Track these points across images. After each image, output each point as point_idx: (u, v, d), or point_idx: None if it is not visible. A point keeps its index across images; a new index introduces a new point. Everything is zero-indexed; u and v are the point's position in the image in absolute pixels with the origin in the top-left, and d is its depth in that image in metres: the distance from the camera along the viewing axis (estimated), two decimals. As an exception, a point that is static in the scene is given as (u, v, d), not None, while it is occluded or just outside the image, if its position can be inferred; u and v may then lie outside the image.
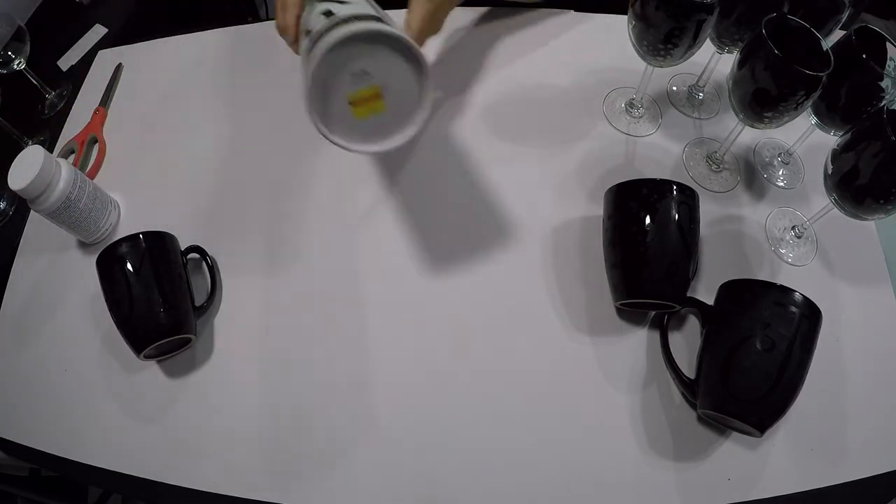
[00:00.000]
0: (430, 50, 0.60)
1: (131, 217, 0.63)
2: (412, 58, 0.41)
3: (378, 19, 0.41)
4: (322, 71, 0.40)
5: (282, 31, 0.50)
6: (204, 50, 0.75)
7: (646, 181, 0.51)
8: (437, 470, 0.49)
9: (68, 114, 0.72)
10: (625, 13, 0.53)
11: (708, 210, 0.57)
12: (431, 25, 0.51)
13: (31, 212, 0.61)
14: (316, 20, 0.43)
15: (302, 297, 0.56)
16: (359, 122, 0.43)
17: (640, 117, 0.65)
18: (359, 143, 0.44)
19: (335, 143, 0.43)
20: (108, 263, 0.52)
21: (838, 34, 0.51)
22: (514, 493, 0.48)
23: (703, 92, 0.66)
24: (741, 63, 0.48)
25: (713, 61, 0.62)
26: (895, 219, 0.47)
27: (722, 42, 0.56)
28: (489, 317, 0.54)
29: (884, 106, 0.44)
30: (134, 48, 0.78)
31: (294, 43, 0.50)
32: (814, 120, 0.53)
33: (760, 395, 0.44)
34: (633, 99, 0.65)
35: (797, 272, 0.56)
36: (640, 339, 0.53)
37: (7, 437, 0.53)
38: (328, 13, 0.42)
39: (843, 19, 0.53)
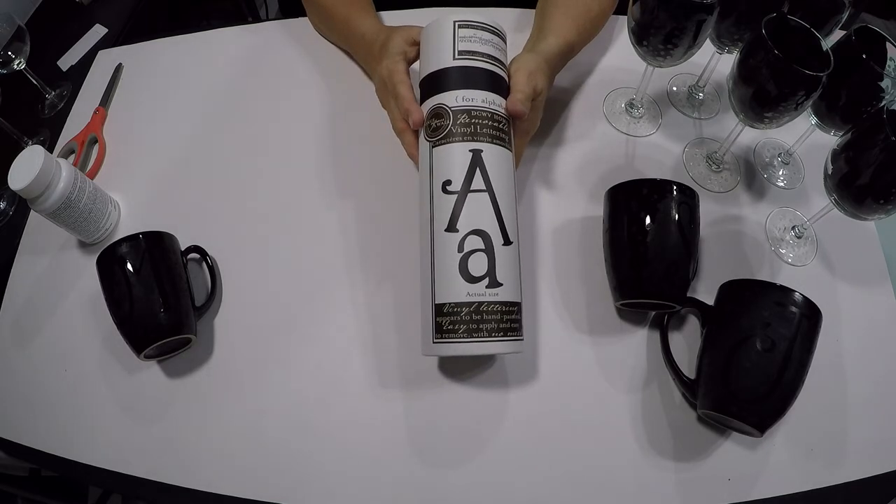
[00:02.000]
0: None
1: (131, 217, 0.63)
2: None
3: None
4: None
5: (399, 133, 0.53)
6: (204, 50, 0.75)
7: (646, 181, 0.51)
8: (437, 469, 0.49)
9: (68, 114, 0.72)
10: (624, 13, 0.53)
11: (708, 210, 0.57)
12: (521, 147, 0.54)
13: (31, 212, 0.61)
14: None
15: (302, 296, 0.56)
16: None
17: (640, 117, 0.65)
18: None
19: None
20: (108, 263, 0.52)
21: (838, 34, 0.51)
22: (514, 492, 0.48)
23: (703, 92, 0.66)
24: (741, 63, 0.48)
25: (713, 61, 0.62)
26: (895, 219, 0.47)
27: (722, 42, 0.56)
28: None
29: (884, 106, 0.44)
30: (134, 48, 0.78)
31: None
32: (814, 120, 0.53)
33: (760, 395, 0.44)
34: (633, 99, 0.65)
35: (797, 272, 0.56)
36: (640, 339, 0.53)
37: (7, 437, 0.53)
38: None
39: (843, 19, 0.53)
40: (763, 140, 0.63)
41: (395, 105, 0.51)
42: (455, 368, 0.52)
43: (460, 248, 0.44)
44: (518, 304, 0.46)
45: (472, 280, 0.43)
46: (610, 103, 0.66)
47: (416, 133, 0.50)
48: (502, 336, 0.44)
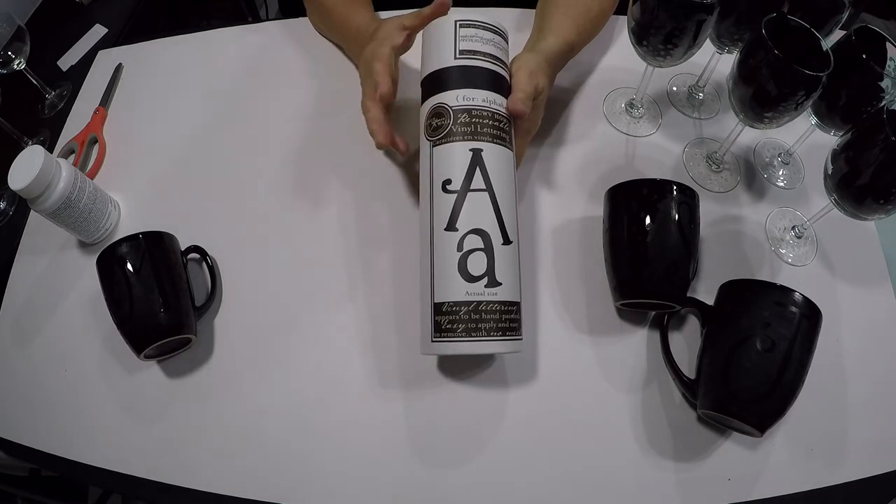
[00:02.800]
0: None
1: (131, 217, 0.63)
2: None
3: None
4: None
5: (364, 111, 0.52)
6: (204, 50, 0.75)
7: (646, 181, 0.51)
8: (437, 469, 0.49)
9: (68, 114, 0.72)
10: (624, 13, 0.53)
11: (708, 210, 0.57)
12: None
13: (31, 212, 0.61)
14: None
15: (302, 296, 0.56)
16: None
17: (640, 117, 0.65)
18: None
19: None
20: (108, 263, 0.52)
21: (838, 34, 0.51)
22: (514, 492, 0.48)
23: (703, 92, 0.66)
24: (741, 63, 0.48)
25: (713, 61, 0.62)
26: (895, 219, 0.47)
27: (722, 42, 0.56)
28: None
29: (884, 106, 0.44)
30: (134, 48, 0.78)
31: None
32: (814, 120, 0.53)
33: (760, 395, 0.44)
34: (633, 99, 0.65)
35: (797, 272, 0.56)
36: (640, 339, 0.53)
37: (7, 437, 0.53)
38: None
39: (843, 19, 0.53)
40: (763, 140, 0.63)
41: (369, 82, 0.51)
42: (455, 368, 0.52)
43: (459, 247, 0.44)
44: (517, 304, 0.46)
45: (471, 279, 0.43)
46: (610, 103, 0.66)
47: (383, 109, 0.51)
48: (501, 336, 0.44)
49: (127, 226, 0.62)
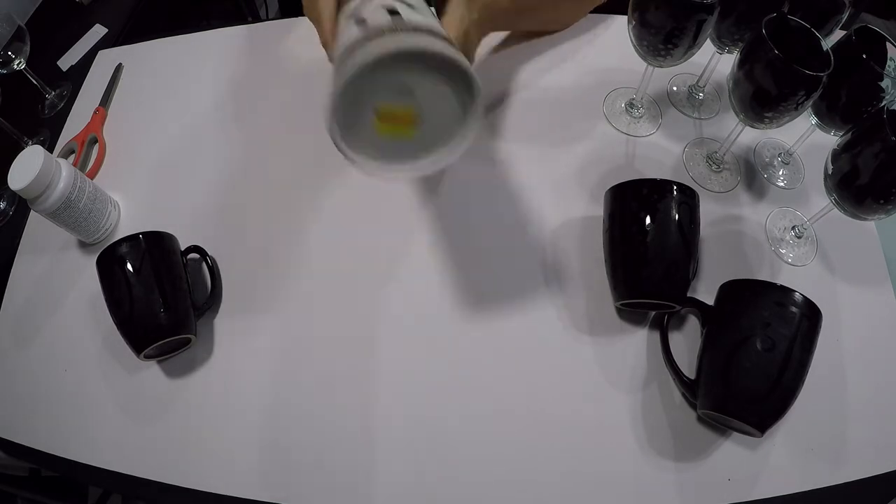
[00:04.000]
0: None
1: (131, 217, 0.63)
2: (467, 90, 0.37)
3: (446, 40, 0.37)
4: (365, 71, 0.34)
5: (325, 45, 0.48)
6: (204, 50, 0.75)
7: (646, 181, 0.51)
8: (436, 468, 0.49)
9: (68, 114, 0.72)
10: (625, 13, 0.53)
11: (708, 210, 0.57)
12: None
13: (31, 212, 0.61)
14: (374, 13, 0.38)
15: (302, 297, 0.56)
16: (381, 141, 0.39)
17: (641, 117, 0.65)
18: (375, 163, 0.40)
19: (347, 158, 0.39)
20: (108, 263, 0.52)
21: (838, 34, 0.51)
22: (514, 492, 0.48)
23: (703, 92, 0.66)
24: (741, 63, 0.48)
25: (713, 61, 0.62)
26: (895, 219, 0.47)
27: (722, 42, 0.56)
28: (488, 316, 0.54)
29: (884, 106, 0.44)
30: (134, 48, 0.78)
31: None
32: (814, 120, 0.53)
33: (760, 395, 0.44)
34: (633, 99, 0.65)
35: (797, 272, 0.56)
36: (640, 339, 0.53)
37: (7, 437, 0.53)
38: (392, 11, 0.38)
39: (843, 19, 0.53)
40: (763, 140, 0.63)
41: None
42: (454, 366, 0.52)
43: (358, 21, 0.38)
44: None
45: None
46: (610, 103, 0.66)
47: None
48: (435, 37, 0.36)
49: (127, 226, 0.62)
